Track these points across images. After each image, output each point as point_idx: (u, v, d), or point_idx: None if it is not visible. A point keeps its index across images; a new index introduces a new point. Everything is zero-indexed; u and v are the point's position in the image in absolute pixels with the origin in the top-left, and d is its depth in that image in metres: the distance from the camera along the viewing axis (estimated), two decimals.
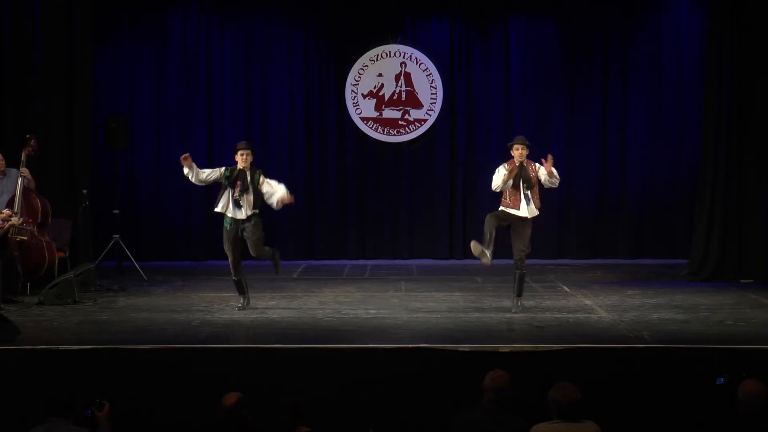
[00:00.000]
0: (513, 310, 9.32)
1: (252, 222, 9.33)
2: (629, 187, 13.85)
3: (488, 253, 9.23)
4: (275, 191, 9.34)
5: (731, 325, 8.77)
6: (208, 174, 9.36)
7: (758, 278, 11.51)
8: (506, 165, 9.35)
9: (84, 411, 5.37)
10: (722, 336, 8.23)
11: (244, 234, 9.32)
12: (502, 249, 13.81)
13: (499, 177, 9.32)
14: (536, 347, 7.67)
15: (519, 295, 9.44)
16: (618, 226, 13.85)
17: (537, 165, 9.37)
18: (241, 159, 9.29)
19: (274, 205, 9.40)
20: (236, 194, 9.27)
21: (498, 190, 9.40)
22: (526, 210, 9.29)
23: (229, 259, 9.41)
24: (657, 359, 7.50)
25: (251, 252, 9.39)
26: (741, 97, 11.65)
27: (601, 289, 10.86)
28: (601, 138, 13.87)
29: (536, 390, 5.85)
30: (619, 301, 10.05)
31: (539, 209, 9.40)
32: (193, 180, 9.39)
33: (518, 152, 9.32)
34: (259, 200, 9.37)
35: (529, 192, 9.30)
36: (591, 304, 9.81)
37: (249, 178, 9.29)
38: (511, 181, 9.28)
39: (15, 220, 9.88)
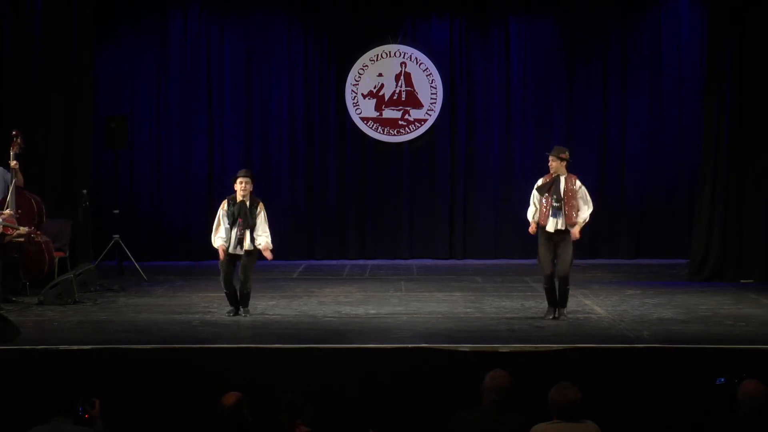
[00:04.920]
0: (547, 317, 9.05)
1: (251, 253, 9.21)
2: (629, 187, 13.85)
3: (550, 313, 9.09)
4: (261, 236, 9.18)
5: (731, 325, 8.77)
6: (222, 224, 9.19)
7: (758, 278, 11.51)
8: (541, 179, 9.13)
9: (77, 409, 5.37)
10: (722, 336, 8.23)
11: (240, 259, 9.20)
12: (502, 248, 13.93)
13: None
14: (536, 347, 7.68)
15: (561, 305, 9.08)
16: (618, 226, 13.84)
17: (578, 182, 9.05)
18: (240, 188, 9.13)
19: (257, 244, 9.23)
20: (239, 233, 9.15)
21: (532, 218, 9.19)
22: (553, 224, 9.00)
23: (221, 275, 9.27)
24: (657, 359, 7.50)
25: (239, 273, 9.18)
26: (741, 96, 11.65)
27: (601, 289, 10.86)
28: (601, 138, 13.86)
29: (536, 390, 5.85)
30: (619, 301, 10.06)
31: (574, 224, 9.06)
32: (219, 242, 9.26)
33: (551, 164, 9.00)
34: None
35: (559, 205, 8.99)
36: (591, 304, 9.81)
37: (249, 213, 9.14)
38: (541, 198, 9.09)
39: (13, 222, 9.89)
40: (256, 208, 9.17)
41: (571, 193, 8.95)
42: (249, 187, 9.18)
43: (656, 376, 7.31)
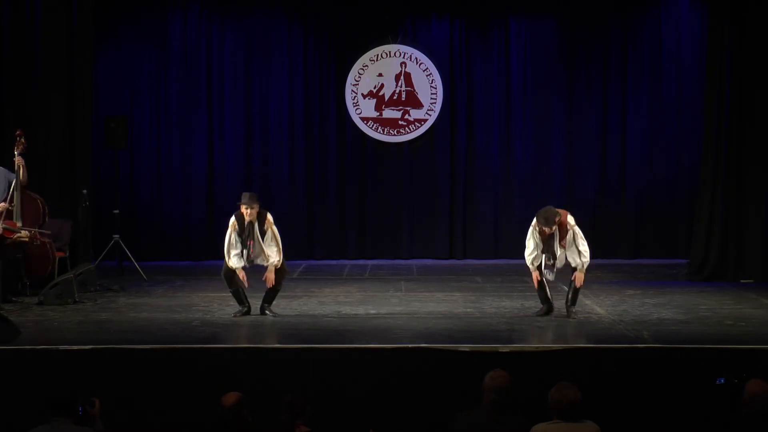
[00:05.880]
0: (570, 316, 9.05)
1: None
2: (629, 187, 13.84)
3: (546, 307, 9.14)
4: (269, 256, 9.03)
5: (731, 325, 8.77)
6: (232, 246, 9.02)
7: (758, 278, 11.52)
8: (536, 232, 8.98)
9: (77, 409, 5.37)
10: (722, 336, 8.23)
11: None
12: (502, 248, 13.92)
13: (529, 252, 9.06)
14: (536, 347, 7.67)
15: (571, 304, 9.10)
16: (618, 226, 13.83)
17: (568, 225, 8.92)
18: (247, 213, 8.95)
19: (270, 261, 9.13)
20: (252, 255, 9.05)
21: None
22: (552, 276, 9.06)
23: (232, 289, 9.16)
24: (657, 359, 7.50)
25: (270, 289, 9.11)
26: (741, 96, 11.65)
27: (601, 289, 10.85)
28: (601, 138, 13.86)
29: (536, 390, 5.85)
30: (619, 301, 10.06)
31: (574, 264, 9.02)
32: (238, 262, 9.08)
33: (543, 231, 8.91)
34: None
35: (553, 262, 8.96)
36: (591, 304, 9.81)
37: (258, 232, 8.98)
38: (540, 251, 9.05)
39: (14, 225, 9.90)
40: (264, 225, 8.99)
41: (565, 244, 8.92)
42: (254, 212, 8.97)
43: (656, 376, 7.31)
